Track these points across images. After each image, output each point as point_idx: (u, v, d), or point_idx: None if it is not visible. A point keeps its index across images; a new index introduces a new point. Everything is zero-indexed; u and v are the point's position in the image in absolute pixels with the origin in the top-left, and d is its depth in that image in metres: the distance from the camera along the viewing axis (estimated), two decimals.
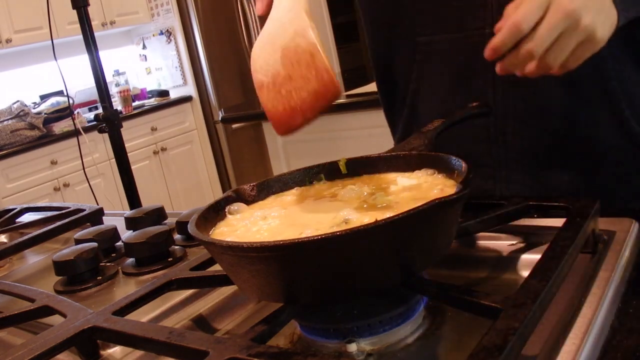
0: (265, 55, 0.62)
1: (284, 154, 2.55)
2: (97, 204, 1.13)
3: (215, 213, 0.61)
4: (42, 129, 3.48)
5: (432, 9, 0.86)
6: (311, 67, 0.59)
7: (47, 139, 3.47)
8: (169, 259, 0.78)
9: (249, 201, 0.64)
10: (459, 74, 0.86)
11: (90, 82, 1.94)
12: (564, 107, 0.81)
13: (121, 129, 1.81)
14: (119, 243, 0.88)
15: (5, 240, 1.09)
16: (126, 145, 1.84)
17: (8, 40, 3.52)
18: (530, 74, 0.68)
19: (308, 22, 0.60)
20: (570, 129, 0.83)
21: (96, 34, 1.74)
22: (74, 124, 2.92)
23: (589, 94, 0.80)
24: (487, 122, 0.86)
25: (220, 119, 4.05)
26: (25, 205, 1.23)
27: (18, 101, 3.54)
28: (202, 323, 0.62)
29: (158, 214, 0.92)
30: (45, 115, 3.51)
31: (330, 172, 0.69)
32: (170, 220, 0.92)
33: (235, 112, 3.08)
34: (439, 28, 0.86)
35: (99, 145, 3.62)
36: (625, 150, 0.83)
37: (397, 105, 0.98)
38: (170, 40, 4.29)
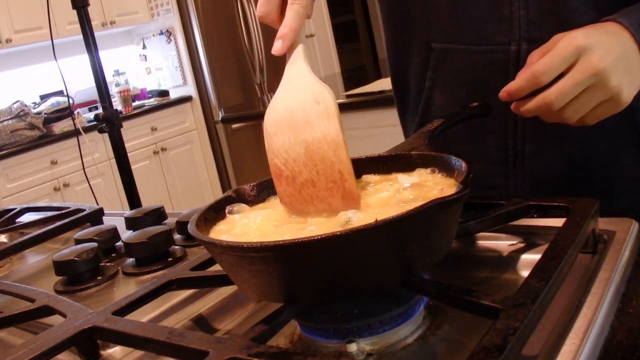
0: (284, 139, 0.58)
1: None
2: (97, 204, 1.13)
3: (215, 213, 0.61)
4: (42, 129, 3.48)
5: (450, 16, 0.81)
6: (338, 187, 0.56)
7: (47, 139, 3.47)
8: (169, 259, 0.78)
9: (249, 201, 0.64)
10: (475, 89, 0.82)
11: (90, 82, 1.95)
12: (586, 135, 0.76)
13: (121, 129, 1.81)
14: (119, 243, 0.88)
15: (5, 240, 1.09)
16: (126, 145, 1.85)
17: (8, 40, 3.52)
18: (544, 120, 0.66)
19: (340, 133, 0.56)
20: (590, 157, 0.79)
21: (96, 34, 1.75)
22: (74, 124, 2.92)
23: (613, 123, 0.74)
24: (505, 143, 0.82)
25: (220, 119, 4.06)
26: (25, 205, 1.23)
27: (18, 101, 3.54)
28: (202, 323, 0.62)
29: (158, 214, 0.92)
30: (45, 115, 3.51)
31: None
32: (170, 220, 0.92)
33: (235, 112, 3.08)
34: (456, 37, 0.81)
35: (99, 145, 3.62)
36: None
37: (410, 110, 0.94)
38: (170, 40, 4.29)
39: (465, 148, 0.85)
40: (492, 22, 0.77)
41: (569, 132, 0.72)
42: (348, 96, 2.42)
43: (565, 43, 0.62)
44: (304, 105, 0.58)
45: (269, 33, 4.48)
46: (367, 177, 0.66)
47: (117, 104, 3.89)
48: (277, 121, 0.59)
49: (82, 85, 3.91)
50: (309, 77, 0.59)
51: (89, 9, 1.71)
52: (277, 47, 0.59)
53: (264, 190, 0.66)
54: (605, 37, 0.63)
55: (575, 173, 0.81)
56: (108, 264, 0.83)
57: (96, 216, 1.05)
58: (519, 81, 0.64)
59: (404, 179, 0.62)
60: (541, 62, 0.62)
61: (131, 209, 1.14)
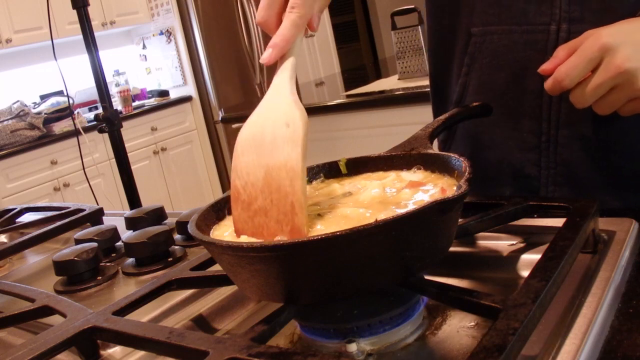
0: (248, 160, 0.55)
1: None
2: (97, 204, 1.13)
3: (215, 213, 0.61)
4: (42, 129, 3.48)
5: None
6: (288, 220, 0.52)
7: (47, 139, 3.48)
8: (169, 259, 0.78)
9: None
10: (513, 70, 0.80)
11: (90, 82, 1.95)
12: (624, 121, 0.71)
13: (121, 129, 1.81)
14: (119, 243, 0.88)
15: (5, 240, 1.09)
16: (126, 145, 1.84)
17: (8, 40, 3.52)
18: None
19: (300, 162, 0.52)
20: (627, 148, 0.76)
21: (96, 34, 1.74)
22: (74, 124, 2.91)
23: None
24: (539, 127, 0.79)
25: (220, 119, 4.06)
26: (25, 205, 1.23)
27: (18, 101, 3.54)
28: (202, 323, 0.62)
29: (158, 214, 0.92)
30: (45, 115, 3.51)
31: (330, 171, 0.69)
32: (170, 220, 0.92)
33: (235, 112, 3.09)
34: (498, 19, 0.80)
35: (99, 145, 3.62)
36: None
37: (448, 103, 0.92)
38: (170, 40, 4.29)
39: (500, 132, 0.84)
40: (533, 2, 0.76)
41: (610, 116, 0.68)
42: (348, 96, 2.42)
43: (590, 43, 0.61)
44: (274, 127, 0.55)
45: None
46: (366, 175, 0.66)
47: (117, 104, 3.89)
48: (247, 140, 0.56)
49: (82, 85, 3.91)
50: (286, 96, 0.56)
51: (89, 9, 1.71)
52: (265, 57, 0.57)
53: None
54: (634, 35, 0.61)
55: (613, 164, 0.78)
56: (108, 264, 0.83)
57: (96, 216, 1.05)
58: (547, 85, 0.64)
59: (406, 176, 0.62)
60: (565, 65, 0.62)
61: (131, 209, 1.14)
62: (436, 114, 0.97)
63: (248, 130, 0.57)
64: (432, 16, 0.92)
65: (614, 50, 0.60)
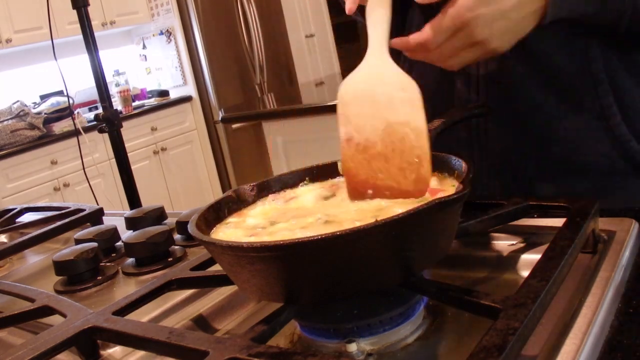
0: (361, 110, 0.62)
1: (284, 154, 2.55)
2: (97, 204, 1.12)
3: (215, 213, 0.61)
4: (42, 129, 3.48)
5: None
6: (413, 169, 0.58)
7: (47, 139, 3.47)
8: (169, 259, 0.78)
9: (249, 201, 0.64)
10: (442, 71, 0.82)
11: (90, 82, 1.95)
12: (549, 111, 0.77)
13: (121, 129, 1.81)
14: (119, 243, 0.88)
15: (5, 240, 1.09)
16: (126, 145, 1.84)
17: (8, 40, 3.52)
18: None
19: (425, 124, 0.59)
20: (554, 136, 0.79)
21: (96, 34, 1.74)
22: (74, 124, 2.91)
23: (578, 98, 0.75)
24: (470, 123, 0.83)
25: (220, 119, 4.06)
26: (25, 205, 1.23)
27: (18, 101, 3.54)
28: (202, 323, 0.62)
29: (158, 214, 0.92)
30: (45, 115, 3.51)
31: (330, 172, 0.69)
32: (170, 220, 0.92)
33: (235, 112, 3.08)
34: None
35: (99, 145, 3.62)
36: (615, 162, 0.78)
37: None
38: (170, 40, 4.29)
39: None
40: None
41: (532, 108, 0.74)
42: None
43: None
44: (388, 89, 0.61)
45: (269, 33, 4.48)
46: None
47: (117, 104, 3.89)
48: (356, 92, 0.63)
49: (82, 85, 3.91)
50: (388, 62, 0.63)
51: (89, 9, 1.71)
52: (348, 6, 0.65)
53: (264, 190, 0.66)
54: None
55: (540, 156, 0.81)
56: (108, 264, 0.83)
57: (96, 216, 1.05)
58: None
59: None
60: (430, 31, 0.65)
61: (131, 209, 1.14)
62: None
63: (353, 86, 0.63)
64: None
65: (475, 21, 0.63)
